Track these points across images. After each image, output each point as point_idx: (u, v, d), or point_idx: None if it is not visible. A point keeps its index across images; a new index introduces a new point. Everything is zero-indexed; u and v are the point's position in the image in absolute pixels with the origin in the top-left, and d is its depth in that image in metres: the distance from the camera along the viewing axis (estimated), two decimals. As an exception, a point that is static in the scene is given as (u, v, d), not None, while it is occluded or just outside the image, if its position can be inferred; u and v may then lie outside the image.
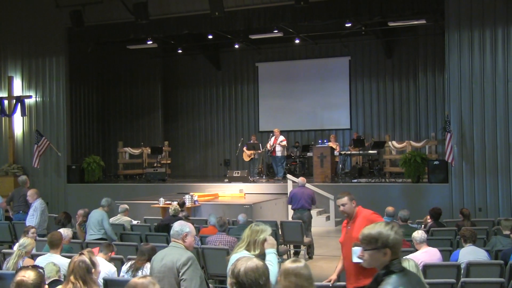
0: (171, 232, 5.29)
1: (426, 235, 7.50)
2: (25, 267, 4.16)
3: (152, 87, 24.15)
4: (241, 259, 3.36)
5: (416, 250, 7.46)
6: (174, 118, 24.94)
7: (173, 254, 5.11)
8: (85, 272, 4.49)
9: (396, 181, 16.89)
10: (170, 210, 11.10)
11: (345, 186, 16.78)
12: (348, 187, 16.67)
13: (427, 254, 7.29)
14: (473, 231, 7.71)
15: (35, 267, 4.35)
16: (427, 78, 20.78)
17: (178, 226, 5.27)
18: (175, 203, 11.57)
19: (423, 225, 10.70)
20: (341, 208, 5.76)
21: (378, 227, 3.36)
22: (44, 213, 10.87)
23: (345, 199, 5.75)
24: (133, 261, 6.77)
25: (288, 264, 3.62)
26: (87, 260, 4.56)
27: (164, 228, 10.69)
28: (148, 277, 3.57)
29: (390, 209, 10.36)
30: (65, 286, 4.55)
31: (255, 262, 3.32)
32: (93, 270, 4.58)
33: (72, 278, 4.49)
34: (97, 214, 10.31)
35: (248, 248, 4.88)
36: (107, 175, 21.33)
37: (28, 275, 4.06)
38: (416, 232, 7.52)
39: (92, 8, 17.31)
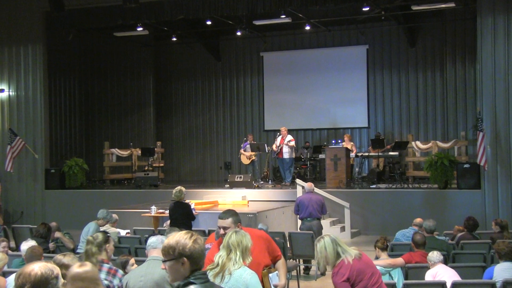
0: (149, 242, 5.33)
1: (441, 257, 7.51)
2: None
3: (143, 80, 24.10)
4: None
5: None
6: (167, 115, 24.89)
7: (155, 270, 5.07)
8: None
9: (421, 187, 16.79)
10: (173, 194, 11.60)
11: (362, 192, 16.71)
12: (365, 193, 16.60)
13: (443, 267, 7.42)
14: (510, 246, 7.61)
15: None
16: (456, 70, 20.67)
17: (160, 238, 5.36)
18: (178, 187, 11.81)
19: (452, 237, 10.59)
20: (222, 231, 5.38)
21: (178, 237, 3.59)
22: None
23: (228, 221, 5.41)
24: None
25: (75, 268, 4.13)
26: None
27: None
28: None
29: (418, 220, 10.38)
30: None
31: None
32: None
33: None
34: (92, 229, 10.29)
35: (243, 260, 4.91)
36: (91, 180, 21.32)
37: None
38: (431, 253, 7.54)
39: (74, -11, 17.27)
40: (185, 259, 3.50)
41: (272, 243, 5.69)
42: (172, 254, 3.53)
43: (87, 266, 4.17)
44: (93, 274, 4.16)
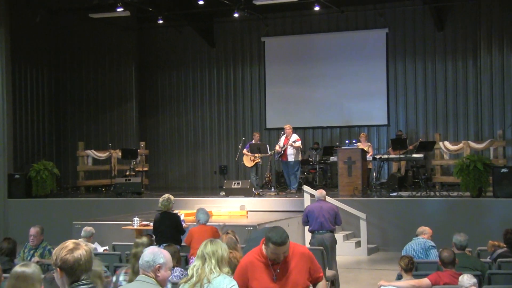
0: (140, 261, 5.33)
1: (474, 279, 7.39)
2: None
3: (124, 69, 24.06)
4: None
5: None
6: (153, 111, 24.91)
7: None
8: (234, 245, 7.78)
9: (450, 195, 16.75)
10: (160, 203, 11.79)
11: (381, 201, 16.65)
12: (384, 202, 16.56)
13: None
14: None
15: None
16: (492, 57, 20.58)
17: (149, 255, 5.29)
18: (166, 195, 12.02)
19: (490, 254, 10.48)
20: (282, 256, 5.63)
21: (58, 246, 4.03)
22: None
23: (288, 245, 5.63)
24: None
25: (16, 268, 4.88)
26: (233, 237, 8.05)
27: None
28: None
29: (420, 229, 10.34)
30: None
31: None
32: (238, 245, 8.01)
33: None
34: None
35: (220, 269, 5.60)
36: (62, 187, 21.26)
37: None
38: (461, 276, 7.43)
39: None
40: (58, 269, 3.96)
41: (315, 262, 5.93)
42: (52, 265, 4.00)
43: (29, 268, 4.86)
44: (31, 274, 4.83)
